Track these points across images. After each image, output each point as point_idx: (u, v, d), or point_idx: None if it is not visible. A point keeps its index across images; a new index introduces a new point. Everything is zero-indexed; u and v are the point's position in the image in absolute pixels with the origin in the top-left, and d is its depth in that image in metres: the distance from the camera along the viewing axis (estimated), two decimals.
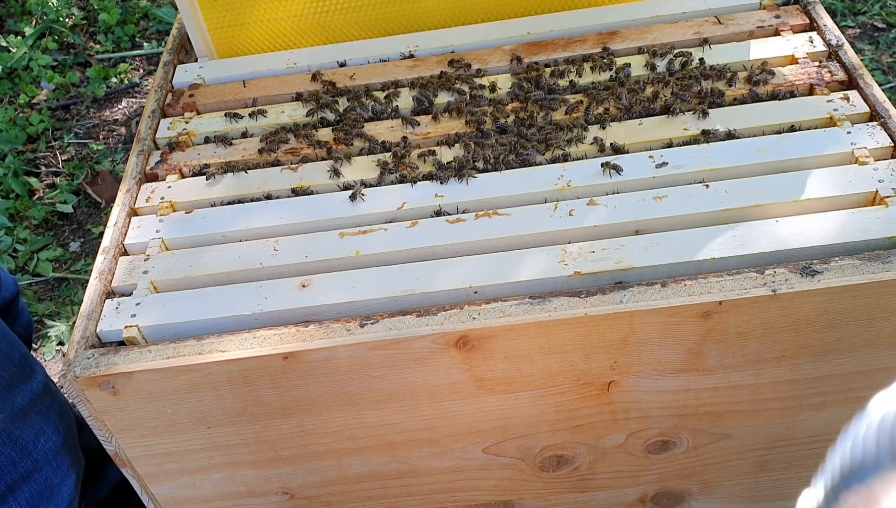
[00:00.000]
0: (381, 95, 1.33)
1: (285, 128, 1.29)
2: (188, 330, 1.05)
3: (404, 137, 1.25)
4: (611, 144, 1.19)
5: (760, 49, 1.30)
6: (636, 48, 1.34)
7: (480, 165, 1.19)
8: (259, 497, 1.20)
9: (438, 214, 1.14)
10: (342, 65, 1.42)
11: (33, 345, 2.10)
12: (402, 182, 1.19)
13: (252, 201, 1.21)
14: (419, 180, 1.19)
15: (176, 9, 1.47)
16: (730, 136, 1.18)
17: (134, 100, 2.86)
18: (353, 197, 1.16)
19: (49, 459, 1.29)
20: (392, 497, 1.23)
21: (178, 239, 1.17)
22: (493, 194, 1.15)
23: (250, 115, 1.33)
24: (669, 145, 1.19)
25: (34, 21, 3.09)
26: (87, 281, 1.11)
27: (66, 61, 2.99)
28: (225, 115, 1.33)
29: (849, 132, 1.15)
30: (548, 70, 1.32)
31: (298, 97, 1.35)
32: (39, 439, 1.27)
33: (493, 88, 1.31)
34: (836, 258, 1.00)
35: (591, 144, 1.19)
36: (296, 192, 1.20)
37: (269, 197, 1.21)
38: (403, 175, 1.19)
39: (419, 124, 1.26)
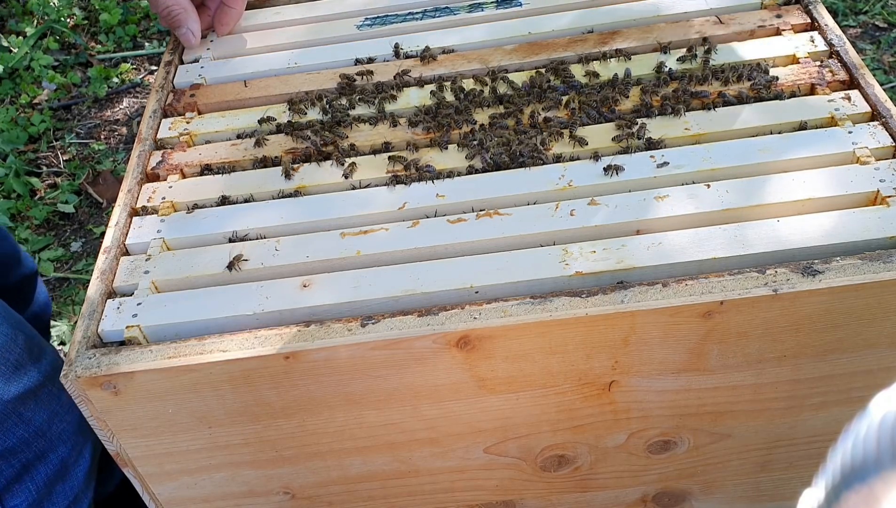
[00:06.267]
0: (381, 95, 1.33)
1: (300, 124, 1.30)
2: (189, 330, 1.05)
3: (406, 137, 1.25)
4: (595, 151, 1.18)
5: (761, 48, 1.30)
6: (637, 48, 1.34)
7: (480, 164, 1.19)
8: (260, 497, 1.20)
9: (439, 214, 1.14)
10: (358, 63, 1.41)
11: None
12: (403, 182, 1.19)
13: (253, 200, 1.21)
14: (419, 181, 1.19)
15: None
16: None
17: (135, 100, 2.87)
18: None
19: (64, 439, 1.29)
20: (393, 497, 1.23)
21: (180, 239, 1.17)
22: (494, 194, 1.15)
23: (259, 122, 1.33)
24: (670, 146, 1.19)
25: (35, 21, 3.09)
26: (89, 281, 1.11)
27: (68, 61, 2.99)
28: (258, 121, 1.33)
29: (850, 132, 1.15)
30: (546, 70, 1.32)
31: (299, 98, 1.35)
32: (54, 420, 1.27)
33: (492, 87, 1.31)
34: (838, 258, 1.00)
35: (585, 147, 1.19)
36: (296, 192, 1.21)
37: (269, 197, 1.21)
38: (405, 176, 1.19)
39: (419, 124, 1.26)
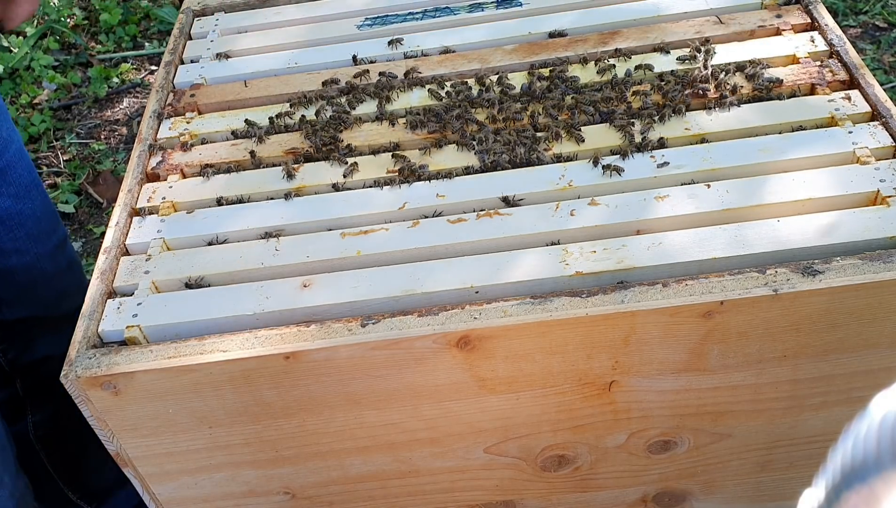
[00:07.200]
0: (382, 95, 1.32)
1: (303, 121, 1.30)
2: (190, 330, 1.05)
3: (406, 137, 1.25)
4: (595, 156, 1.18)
5: (762, 48, 1.30)
6: (637, 48, 1.34)
7: (480, 164, 1.19)
8: (260, 497, 1.20)
9: (439, 214, 1.14)
10: (355, 62, 1.41)
11: None
12: (404, 183, 1.19)
13: (253, 200, 1.21)
14: (420, 180, 1.19)
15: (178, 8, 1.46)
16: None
17: (135, 100, 2.87)
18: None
19: None
20: (393, 497, 1.23)
21: (180, 239, 1.17)
22: (494, 193, 1.15)
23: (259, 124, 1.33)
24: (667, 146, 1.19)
25: (35, 21, 3.09)
26: (89, 281, 1.11)
27: (68, 61, 2.99)
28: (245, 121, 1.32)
29: (850, 132, 1.15)
30: (548, 70, 1.32)
31: (301, 97, 1.35)
32: None
33: (490, 88, 1.31)
34: (838, 258, 1.00)
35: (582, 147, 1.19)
36: (296, 192, 1.20)
37: (269, 197, 1.21)
38: (405, 177, 1.19)
39: (419, 125, 1.26)
